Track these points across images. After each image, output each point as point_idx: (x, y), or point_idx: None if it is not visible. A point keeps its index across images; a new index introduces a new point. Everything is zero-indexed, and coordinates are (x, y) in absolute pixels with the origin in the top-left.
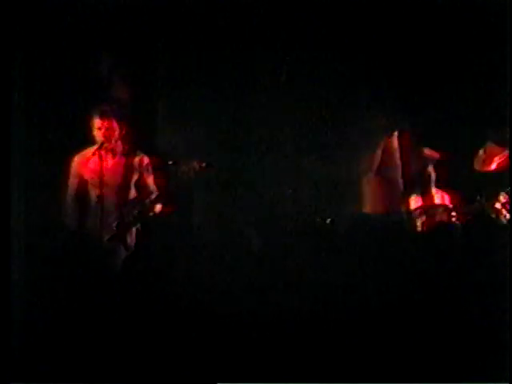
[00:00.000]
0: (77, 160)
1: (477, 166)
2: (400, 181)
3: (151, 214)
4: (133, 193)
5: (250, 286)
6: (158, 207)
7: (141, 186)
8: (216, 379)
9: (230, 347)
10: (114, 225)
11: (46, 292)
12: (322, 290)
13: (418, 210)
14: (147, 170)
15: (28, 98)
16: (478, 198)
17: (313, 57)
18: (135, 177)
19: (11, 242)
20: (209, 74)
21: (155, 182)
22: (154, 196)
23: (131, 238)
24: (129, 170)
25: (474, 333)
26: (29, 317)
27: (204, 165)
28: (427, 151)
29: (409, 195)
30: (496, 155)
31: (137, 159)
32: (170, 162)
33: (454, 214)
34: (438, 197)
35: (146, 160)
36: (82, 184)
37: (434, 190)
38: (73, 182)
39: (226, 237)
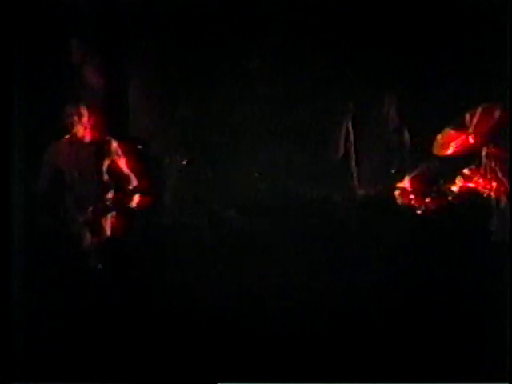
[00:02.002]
0: (51, 149)
1: (435, 151)
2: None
3: (131, 205)
4: (106, 178)
5: (246, 284)
6: (136, 199)
7: (114, 171)
8: (216, 379)
9: (229, 346)
10: (90, 210)
11: (46, 291)
12: (311, 277)
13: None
14: (117, 153)
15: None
16: (441, 182)
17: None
18: (107, 162)
19: (11, 241)
20: (183, 59)
21: (129, 166)
22: (133, 185)
23: (107, 225)
24: (99, 156)
25: (473, 332)
26: (29, 316)
27: (186, 162)
28: None
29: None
30: (453, 140)
31: (106, 144)
32: (140, 147)
33: (412, 196)
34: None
35: (114, 144)
36: (58, 173)
37: None
38: (45, 171)
39: (205, 221)
